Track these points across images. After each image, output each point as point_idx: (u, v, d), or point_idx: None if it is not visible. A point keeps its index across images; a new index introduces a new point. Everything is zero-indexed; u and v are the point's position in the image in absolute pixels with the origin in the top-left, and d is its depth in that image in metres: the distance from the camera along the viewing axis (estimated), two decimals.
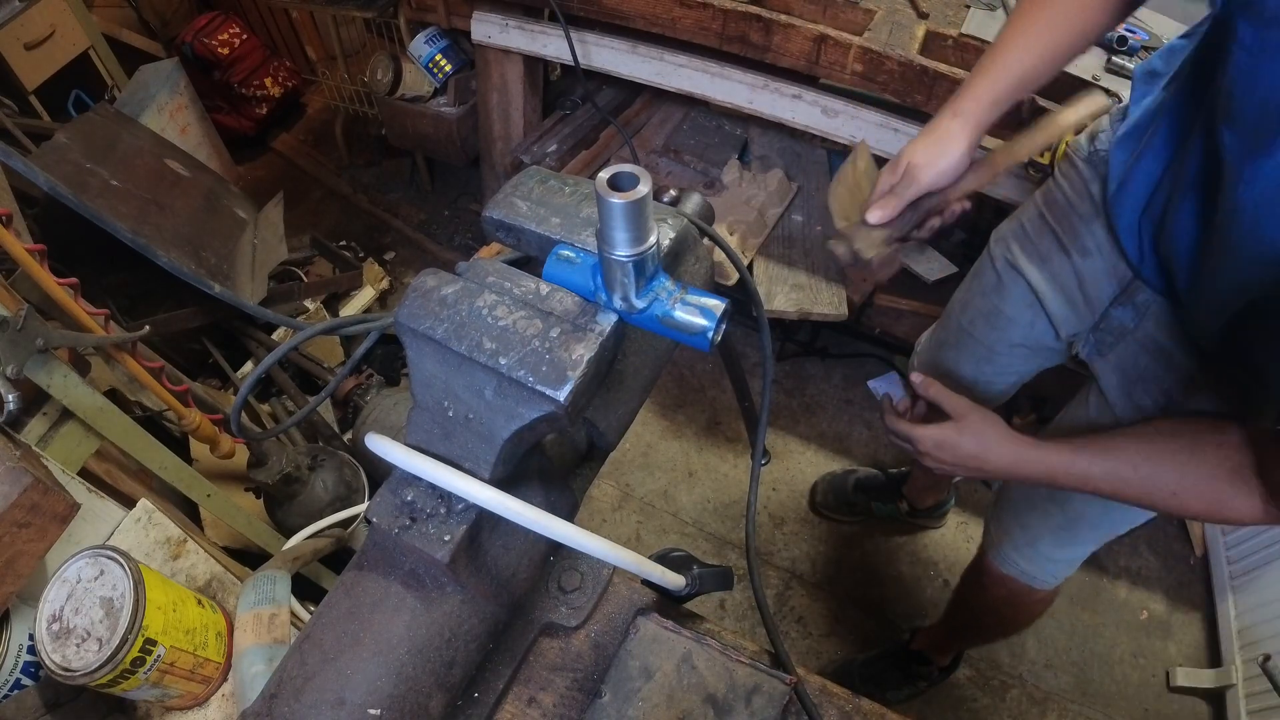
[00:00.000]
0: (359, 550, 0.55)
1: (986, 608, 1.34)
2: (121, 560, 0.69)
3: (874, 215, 0.87)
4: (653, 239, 0.45)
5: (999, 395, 1.24)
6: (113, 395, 1.22)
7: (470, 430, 0.48)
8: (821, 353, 2.21)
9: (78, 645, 0.66)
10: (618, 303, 0.48)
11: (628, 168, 0.43)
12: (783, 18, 1.47)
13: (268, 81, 2.75)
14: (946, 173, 0.86)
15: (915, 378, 0.94)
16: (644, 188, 0.42)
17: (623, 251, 0.44)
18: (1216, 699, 1.62)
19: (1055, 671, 1.70)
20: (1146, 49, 1.37)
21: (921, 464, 0.93)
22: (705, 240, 0.60)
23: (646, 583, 0.62)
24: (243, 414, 1.55)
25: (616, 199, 0.41)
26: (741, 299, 0.64)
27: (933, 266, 1.81)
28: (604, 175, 0.42)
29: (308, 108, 3.00)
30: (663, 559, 0.63)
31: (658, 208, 0.54)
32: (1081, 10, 0.83)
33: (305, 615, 0.93)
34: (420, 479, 0.49)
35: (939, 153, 0.85)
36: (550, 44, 1.81)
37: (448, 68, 2.14)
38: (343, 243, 2.21)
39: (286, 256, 1.87)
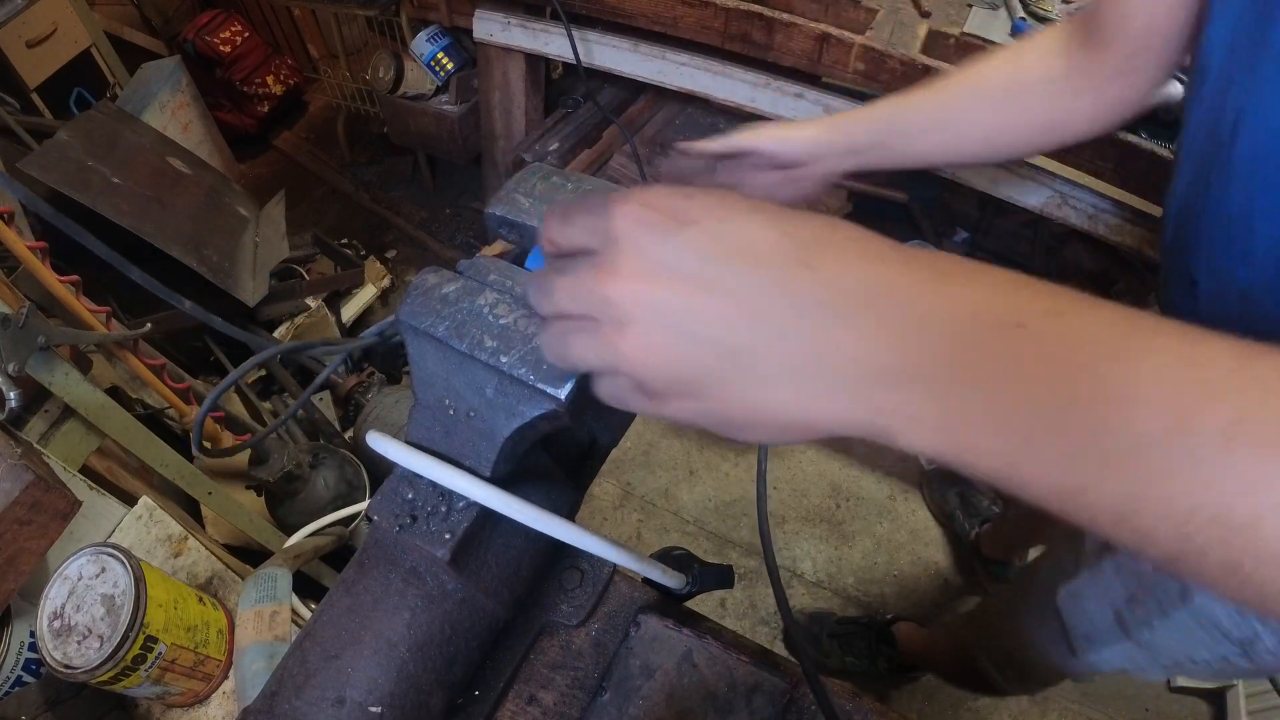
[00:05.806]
0: (360, 548, 0.55)
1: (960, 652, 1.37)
2: (123, 558, 0.69)
3: (698, 145, 0.85)
4: None
5: None
6: (114, 393, 1.22)
7: (471, 428, 0.48)
8: None
9: (79, 642, 0.66)
10: None
11: None
12: (785, 16, 1.47)
13: (269, 79, 2.75)
14: (778, 139, 0.83)
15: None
16: None
17: None
18: (1217, 699, 1.61)
19: None
20: None
21: None
22: None
23: (647, 581, 0.62)
24: (242, 413, 1.55)
25: None
26: None
27: None
28: None
29: (310, 105, 3.00)
30: (663, 557, 0.63)
31: None
32: (991, 98, 0.77)
33: (306, 613, 0.93)
34: (421, 477, 0.49)
35: (781, 128, 0.84)
36: (552, 42, 1.81)
37: (450, 66, 2.14)
38: (344, 241, 2.21)
39: (288, 254, 1.87)
